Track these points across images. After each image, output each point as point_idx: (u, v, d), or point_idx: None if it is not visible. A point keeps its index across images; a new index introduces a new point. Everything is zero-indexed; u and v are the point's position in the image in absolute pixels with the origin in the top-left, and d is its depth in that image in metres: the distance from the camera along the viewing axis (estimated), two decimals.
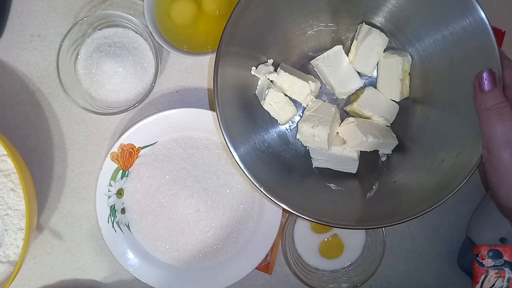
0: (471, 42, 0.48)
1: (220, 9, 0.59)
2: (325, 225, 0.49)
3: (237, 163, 0.50)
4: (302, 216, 0.49)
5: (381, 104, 0.57)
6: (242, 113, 0.55)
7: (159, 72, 0.60)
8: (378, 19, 0.55)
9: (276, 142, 0.58)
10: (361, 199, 0.55)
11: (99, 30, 0.59)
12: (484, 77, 0.45)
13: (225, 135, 0.50)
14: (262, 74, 0.56)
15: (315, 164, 0.58)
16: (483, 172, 0.47)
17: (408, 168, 0.55)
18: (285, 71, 0.55)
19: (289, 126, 0.60)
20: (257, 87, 0.57)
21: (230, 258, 0.62)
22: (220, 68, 0.50)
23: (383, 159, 0.58)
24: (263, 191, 0.50)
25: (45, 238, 0.63)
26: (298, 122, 0.58)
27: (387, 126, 0.58)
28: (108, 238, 0.60)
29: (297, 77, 0.55)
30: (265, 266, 0.64)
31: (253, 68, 0.56)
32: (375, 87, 0.58)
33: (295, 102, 0.58)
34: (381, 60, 0.57)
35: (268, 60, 0.57)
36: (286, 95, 0.57)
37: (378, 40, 0.55)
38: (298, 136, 0.58)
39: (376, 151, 0.57)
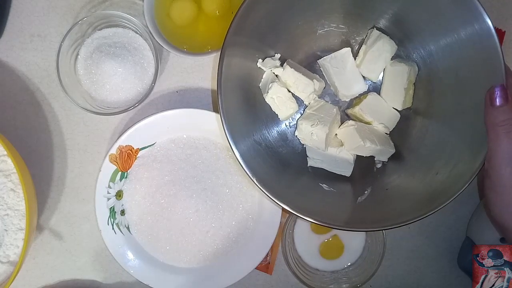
0: (478, 57, 0.48)
1: (220, 9, 0.59)
2: (313, 222, 0.50)
3: (233, 152, 0.50)
4: (292, 211, 0.50)
5: (382, 111, 0.57)
6: (243, 104, 0.55)
7: (159, 72, 0.60)
8: (389, 26, 0.56)
9: (274, 137, 0.58)
10: (351, 202, 0.55)
11: (99, 30, 0.59)
12: (496, 92, 0.45)
13: (224, 123, 0.50)
14: (268, 67, 0.56)
15: (310, 163, 0.58)
16: (481, 185, 0.48)
17: (402, 177, 0.55)
18: (291, 67, 0.55)
19: (289, 123, 0.60)
20: (262, 80, 0.57)
21: (230, 258, 0.62)
22: (226, 57, 0.50)
23: (379, 166, 0.58)
24: (255, 182, 0.50)
25: (45, 238, 0.63)
26: (298, 119, 0.58)
27: (386, 133, 0.58)
28: (108, 240, 0.60)
29: (302, 74, 0.55)
30: (265, 266, 0.64)
31: (260, 60, 0.56)
32: (379, 94, 0.58)
33: (297, 99, 0.58)
34: (387, 67, 0.57)
35: (276, 54, 0.57)
36: (289, 91, 0.57)
37: (387, 46, 0.55)
38: (296, 133, 0.58)
39: (372, 157, 0.57)
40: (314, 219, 0.49)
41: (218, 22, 0.60)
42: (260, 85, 0.57)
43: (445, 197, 0.48)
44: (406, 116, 0.58)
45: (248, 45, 0.54)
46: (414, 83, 0.57)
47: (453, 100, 0.52)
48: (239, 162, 0.50)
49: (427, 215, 0.48)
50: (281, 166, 0.56)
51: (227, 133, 0.50)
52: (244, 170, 0.50)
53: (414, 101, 0.57)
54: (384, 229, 0.49)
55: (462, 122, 0.50)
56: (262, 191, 0.50)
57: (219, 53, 0.58)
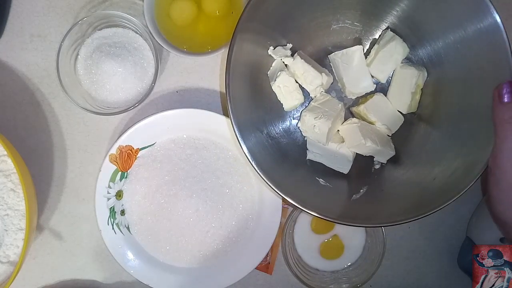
0: (486, 55, 0.48)
1: (220, 9, 0.59)
2: (310, 214, 0.50)
3: (235, 133, 0.50)
4: (287, 198, 0.50)
5: (387, 113, 0.57)
6: (250, 89, 0.55)
7: (159, 72, 0.60)
8: (404, 29, 0.56)
9: (276, 126, 0.58)
10: (346, 198, 0.55)
11: (99, 30, 0.59)
12: (504, 89, 0.46)
13: (229, 105, 0.50)
14: (278, 56, 0.56)
15: (309, 156, 0.58)
16: (484, 182, 0.48)
17: (399, 180, 0.55)
18: (301, 58, 0.55)
19: (293, 114, 0.60)
20: (271, 68, 0.58)
21: (230, 258, 0.62)
22: (237, 42, 0.50)
23: (377, 167, 0.58)
24: (254, 166, 0.50)
25: (45, 238, 0.63)
26: (302, 110, 0.58)
27: (388, 135, 0.58)
28: (108, 240, 0.60)
29: (311, 66, 0.55)
30: (265, 266, 0.64)
31: (271, 47, 0.56)
32: (385, 95, 0.58)
33: (304, 92, 0.58)
34: (397, 69, 0.57)
35: (288, 44, 0.57)
36: (296, 82, 0.57)
37: (399, 48, 0.56)
38: (299, 125, 0.58)
39: (371, 157, 0.58)
40: (310, 211, 0.50)
41: (218, 22, 0.60)
42: (268, 72, 0.58)
43: (439, 201, 0.48)
44: (409, 120, 0.58)
45: (261, 31, 0.54)
46: (421, 89, 0.57)
47: (458, 111, 0.52)
48: (238, 139, 0.50)
49: (420, 217, 0.49)
50: (280, 157, 0.56)
51: (231, 114, 0.50)
52: (243, 150, 0.50)
53: (419, 107, 0.58)
54: (376, 226, 0.50)
55: (464, 133, 0.51)
56: (257, 171, 0.50)
57: (221, 51, 0.58)
